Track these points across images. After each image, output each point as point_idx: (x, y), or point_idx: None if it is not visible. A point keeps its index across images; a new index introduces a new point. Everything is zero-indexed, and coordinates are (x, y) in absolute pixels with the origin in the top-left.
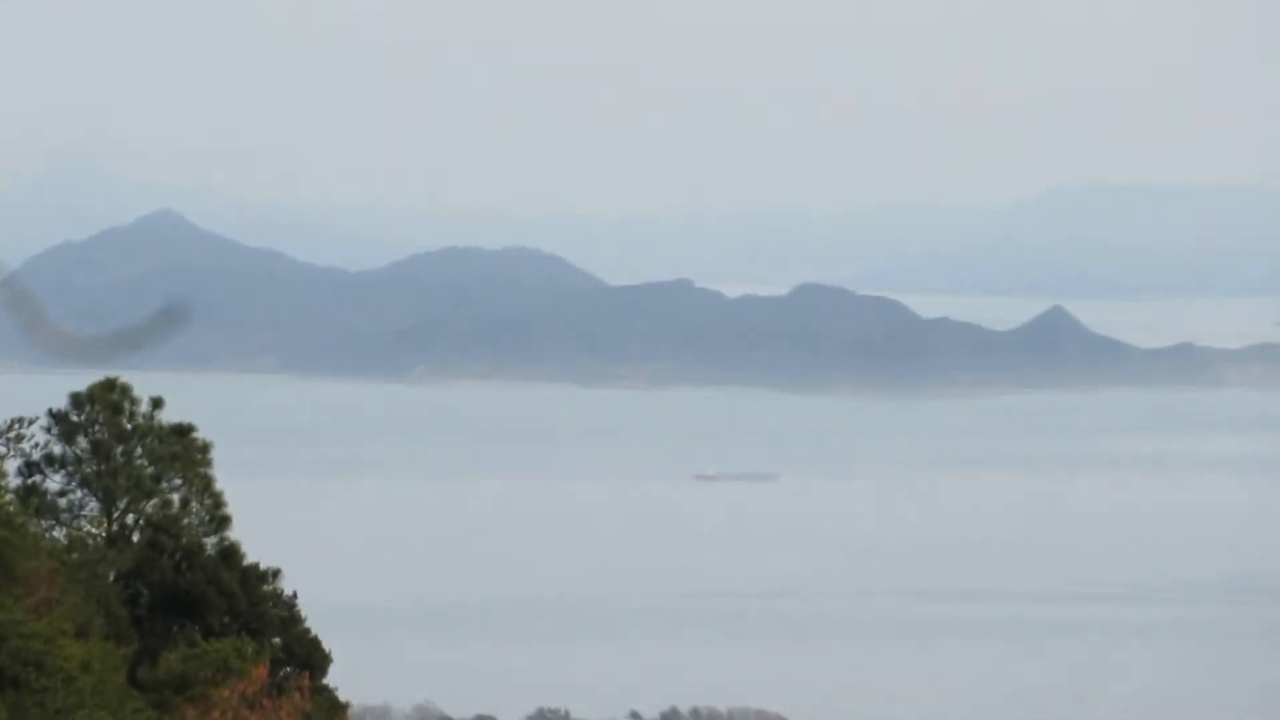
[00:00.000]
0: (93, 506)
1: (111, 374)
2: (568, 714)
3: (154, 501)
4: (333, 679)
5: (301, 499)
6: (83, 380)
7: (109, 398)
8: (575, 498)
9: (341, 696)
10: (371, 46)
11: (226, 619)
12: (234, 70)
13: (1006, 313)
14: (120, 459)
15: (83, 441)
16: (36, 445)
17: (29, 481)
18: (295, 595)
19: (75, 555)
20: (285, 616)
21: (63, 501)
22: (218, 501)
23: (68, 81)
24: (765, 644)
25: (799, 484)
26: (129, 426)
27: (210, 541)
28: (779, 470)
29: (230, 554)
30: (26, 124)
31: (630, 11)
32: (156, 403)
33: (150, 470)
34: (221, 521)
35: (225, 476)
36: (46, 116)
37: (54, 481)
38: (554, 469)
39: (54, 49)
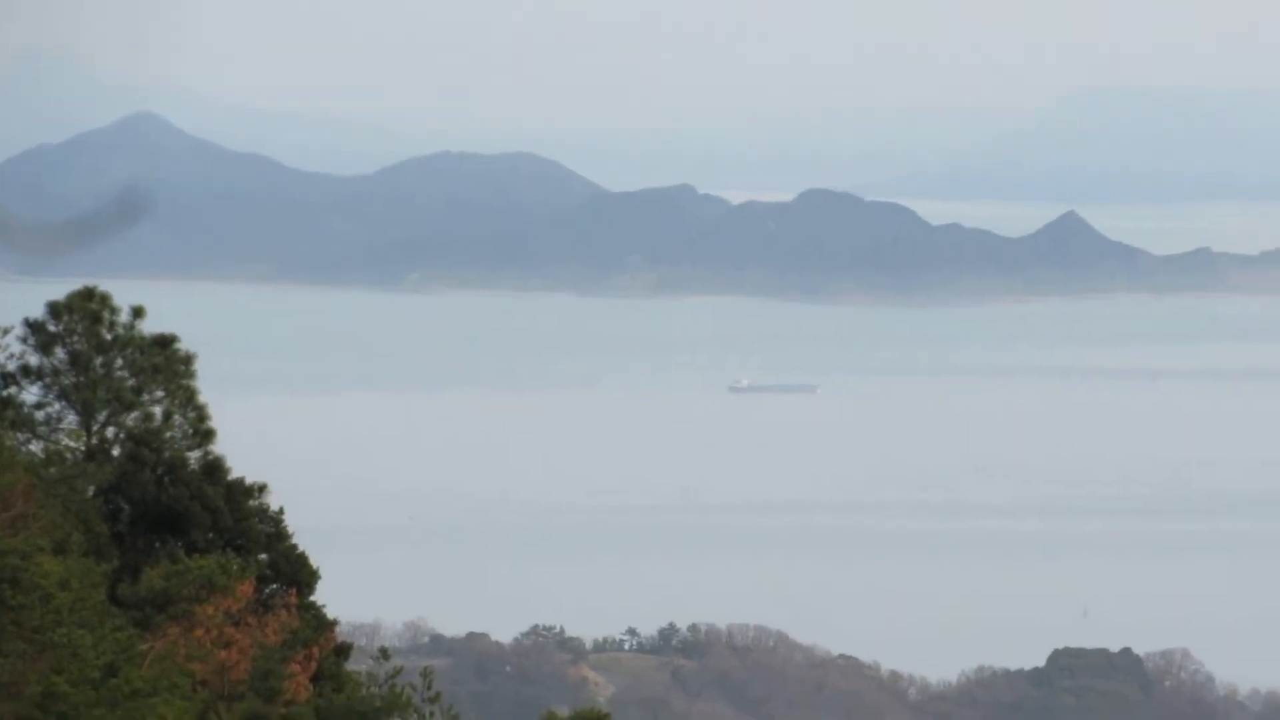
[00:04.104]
0: (71, 419)
1: (91, 282)
2: (562, 631)
3: (135, 414)
4: (321, 596)
5: (290, 412)
6: (61, 289)
7: (88, 307)
8: (585, 410)
9: (330, 613)
10: None
11: (210, 535)
12: None
13: (1019, 219)
14: (100, 370)
15: (60, 352)
16: (12, 356)
17: (4, 394)
18: (282, 510)
19: (53, 469)
20: (271, 532)
21: (40, 414)
22: (201, 415)
23: None
24: (767, 559)
25: (838, 396)
26: (109, 337)
27: (193, 456)
28: (816, 382)
29: (214, 469)
30: None
31: None
32: (137, 312)
33: (131, 382)
34: (205, 435)
35: (210, 390)
36: (14, 9)
37: (30, 394)
38: (559, 380)
39: None
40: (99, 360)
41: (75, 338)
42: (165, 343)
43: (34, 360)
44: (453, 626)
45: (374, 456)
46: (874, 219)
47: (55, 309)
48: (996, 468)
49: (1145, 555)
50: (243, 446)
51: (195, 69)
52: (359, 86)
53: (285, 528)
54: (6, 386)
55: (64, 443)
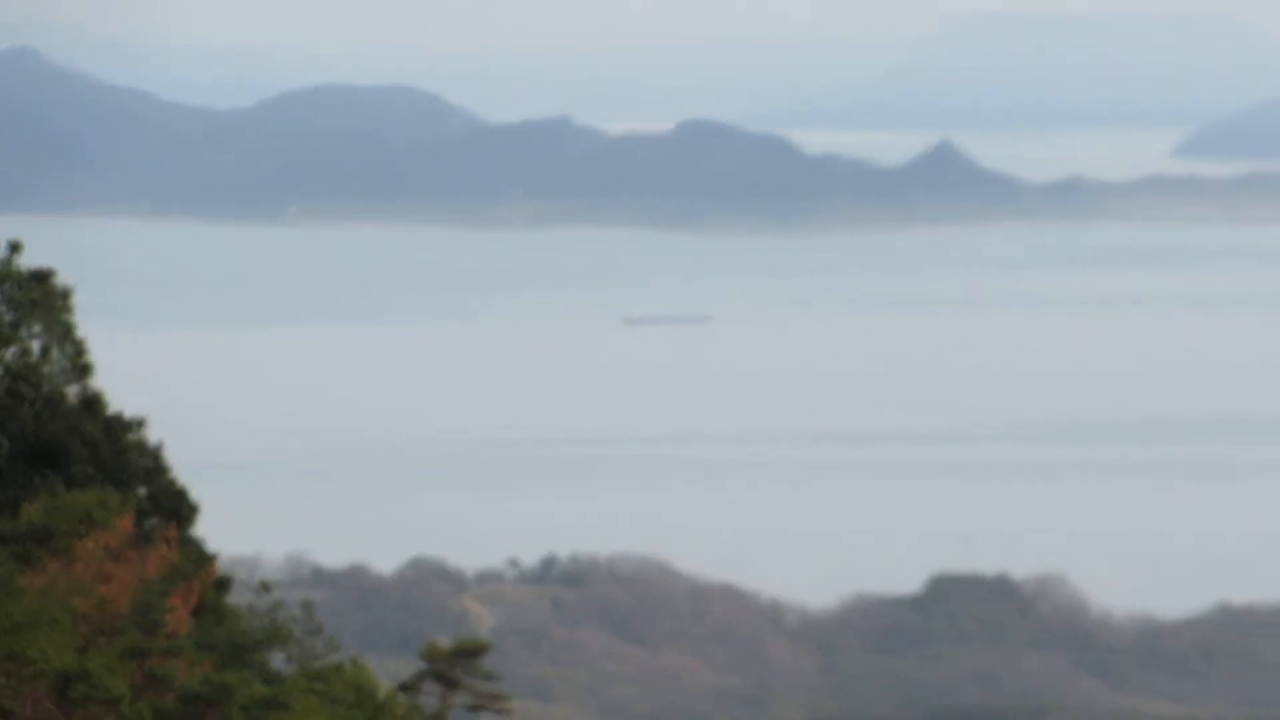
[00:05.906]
0: None
1: None
2: (444, 563)
3: (12, 349)
4: (201, 530)
5: (169, 346)
6: None
7: None
8: (468, 342)
9: (210, 547)
10: None
11: (90, 469)
12: None
13: (895, 149)
14: None
15: None
16: None
17: None
18: (161, 445)
19: None
20: (150, 466)
21: None
22: (79, 349)
23: None
24: (648, 489)
25: (728, 327)
26: None
27: (72, 390)
28: (710, 313)
29: (93, 403)
30: None
31: None
32: (15, 247)
33: (9, 317)
34: (83, 370)
35: (88, 324)
36: None
37: None
38: (441, 313)
39: None
40: None
41: None
42: (42, 277)
43: None
44: (334, 559)
45: (253, 390)
46: (752, 150)
47: None
48: (874, 395)
49: (1021, 481)
50: (121, 381)
51: (70, 3)
52: (234, 18)
53: (164, 462)
54: None
55: None
